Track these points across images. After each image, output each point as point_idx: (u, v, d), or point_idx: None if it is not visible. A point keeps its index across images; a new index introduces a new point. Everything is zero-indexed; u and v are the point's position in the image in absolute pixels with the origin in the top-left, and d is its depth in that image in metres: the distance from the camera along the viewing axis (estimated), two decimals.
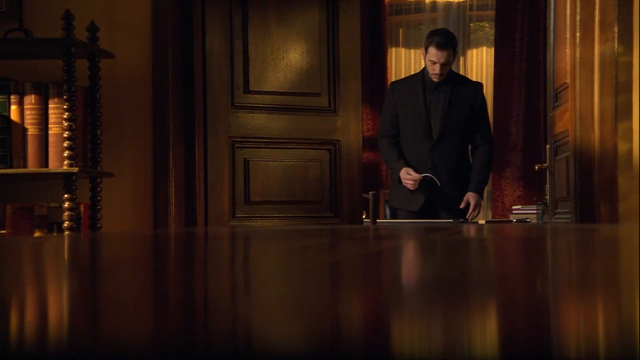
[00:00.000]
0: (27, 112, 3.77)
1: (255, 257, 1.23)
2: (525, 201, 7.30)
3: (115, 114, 4.17)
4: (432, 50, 4.43)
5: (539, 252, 1.29)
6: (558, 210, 4.39)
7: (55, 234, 3.82)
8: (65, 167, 3.70)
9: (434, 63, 4.43)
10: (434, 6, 8.01)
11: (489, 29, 8.02)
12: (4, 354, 0.41)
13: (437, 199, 4.48)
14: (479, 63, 8.02)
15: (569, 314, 0.54)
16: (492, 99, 7.77)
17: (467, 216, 4.44)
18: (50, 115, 3.77)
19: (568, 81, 4.03)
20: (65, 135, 3.69)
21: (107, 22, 4.12)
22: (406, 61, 8.06)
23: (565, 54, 4.05)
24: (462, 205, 4.46)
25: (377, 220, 5.80)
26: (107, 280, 0.81)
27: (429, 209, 4.47)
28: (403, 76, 8.02)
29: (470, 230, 2.20)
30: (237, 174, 4.54)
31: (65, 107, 3.70)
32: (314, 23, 4.68)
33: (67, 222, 3.71)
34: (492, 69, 7.85)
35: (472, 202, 4.44)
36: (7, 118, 3.77)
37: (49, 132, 3.77)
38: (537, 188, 7.26)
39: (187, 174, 4.37)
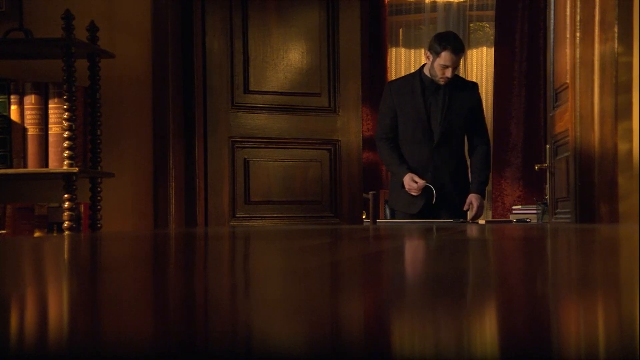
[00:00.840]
0: (27, 112, 3.77)
1: (255, 257, 1.23)
2: (525, 201, 7.30)
3: (115, 114, 4.17)
4: (447, 55, 4.35)
5: (539, 252, 1.29)
6: (558, 210, 4.39)
7: (55, 234, 3.82)
8: (65, 167, 3.70)
9: (446, 67, 4.37)
10: (434, 6, 8.01)
11: (489, 29, 8.02)
12: (4, 354, 0.41)
13: (438, 201, 4.47)
14: (479, 63, 8.02)
15: (569, 314, 0.54)
16: (492, 99, 7.77)
17: (470, 218, 4.44)
18: (50, 115, 3.77)
19: (568, 81, 4.03)
20: (65, 135, 3.69)
21: (107, 22, 4.12)
22: (406, 61, 8.06)
23: (565, 54, 4.05)
24: (465, 207, 4.45)
25: (377, 220, 5.80)
26: (107, 281, 0.81)
27: (428, 211, 4.47)
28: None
29: (470, 231, 2.20)
30: (237, 174, 4.54)
31: (65, 107, 3.70)
32: (314, 23, 4.68)
33: (67, 222, 3.71)
34: (492, 69, 7.85)
35: (475, 204, 4.44)
36: (7, 118, 3.77)
37: (49, 132, 3.77)
38: (537, 188, 7.26)
39: (187, 174, 4.37)
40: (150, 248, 1.53)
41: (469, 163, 4.69)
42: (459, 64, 4.49)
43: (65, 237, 3.10)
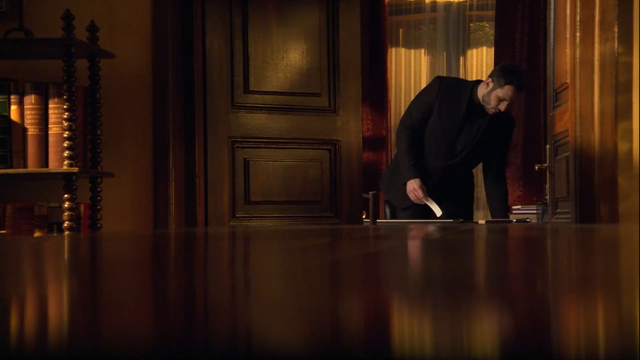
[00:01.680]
0: (27, 112, 3.77)
1: (255, 257, 1.23)
2: (525, 201, 7.30)
3: (115, 114, 4.17)
4: (510, 90, 4.26)
5: (539, 252, 1.29)
6: (558, 210, 4.39)
7: (55, 234, 3.82)
8: (65, 167, 3.70)
9: (502, 100, 4.29)
10: (434, 6, 8.01)
11: (489, 29, 8.02)
12: (4, 354, 0.41)
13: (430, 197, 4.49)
14: (479, 63, 8.01)
15: (569, 313, 0.54)
16: None
17: None
18: (50, 115, 3.77)
19: (568, 81, 4.03)
20: (65, 135, 3.70)
21: (107, 22, 4.12)
22: (406, 61, 8.06)
23: (565, 54, 4.05)
24: None
25: (377, 220, 5.79)
26: (107, 281, 0.81)
27: (418, 208, 4.48)
28: (403, 76, 8.03)
29: (470, 231, 2.20)
30: (237, 174, 4.54)
31: (65, 107, 3.70)
32: (314, 23, 4.68)
33: (67, 222, 3.71)
34: (492, 69, 7.84)
35: None
36: (7, 118, 3.77)
37: (49, 132, 3.77)
38: (537, 188, 7.26)
39: (187, 174, 4.37)
40: (151, 248, 1.53)
41: (475, 181, 4.79)
42: (514, 101, 4.39)
43: (65, 237, 3.10)
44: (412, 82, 7.97)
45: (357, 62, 4.77)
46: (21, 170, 3.76)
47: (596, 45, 3.82)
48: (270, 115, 4.61)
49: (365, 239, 1.74)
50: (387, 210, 5.73)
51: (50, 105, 3.77)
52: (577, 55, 3.90)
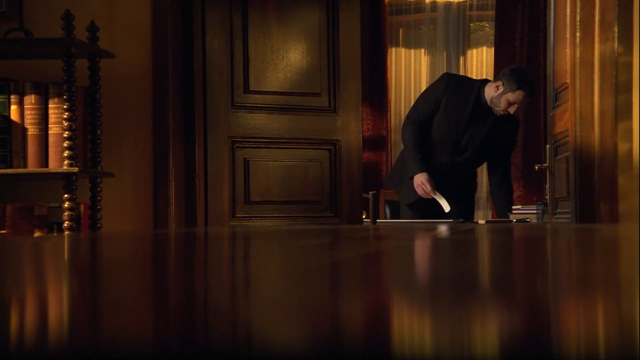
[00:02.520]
0: (27, 112, 3.77)
1: (255, 257, 1.23)
2: (525, 201, 7.30)
3: (115, 114, 4.17)
4: (521, 95, 4.32)
5: (539, 252, 1.29)
6: (558, 210, 4.39)
7: (55, 234, 3.82)
8: (65, 167, 3.70)
9: (512, 104, 4.34)
10: (434, 6, 8.01)
11: (489, 29, 8.02)
12: (4, 354, 0.41)
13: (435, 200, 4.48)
14: (479, 63, 8.01)
15: (569, 313, 0.54)
16: None
17: None
18: (50, 115, 3.77)
19: (568, 81, 4.03)
20: (65, 135, 3.69)
21: (107, 22, 4.12)
22: (406, 61, 8.06)
23: (565, 54, 4.05)
24: None
25: (377, 220, 5.79)
26: (107, 281, 0.81)
27: (422, 204, 4.48)
28: (403, 76, 8.02)
29: (470, 231, 2.20)
30: (237, 174, 4.54)
31: (65, 107, 3.70)
32: (314, 23, 4.68)
33: (67, 222, 3.71)
34: (492, 69, 7.84)
35: None
36: (7, 118, 3.77)
37: (49, 132, 3.77)
38: (537, 188, 7.26)
39: (187, 174, 4.37)
40: (151, 248, 1.53)
41: (479, 179, 4.82)
42: (524, 105, 4.45)
43: (65, 237, 3.10)
44: (412, 82, 7.96)
45: (357, 62, 4.77)
46: (21, 170, 3.76)
47: (596, 45, 3.82)
48: (270, 115, 4.61)
49: (365, 239, 1.74)
50: (387, 210, 5.73)
51: (50, 105, 3.77)
52: (577, 55, 3.89)
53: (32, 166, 3.77)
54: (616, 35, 3.76)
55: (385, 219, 6.09)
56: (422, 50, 8.03)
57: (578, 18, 3.89)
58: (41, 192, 4.05)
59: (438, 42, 7.96)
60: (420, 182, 4.42)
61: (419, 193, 4.44)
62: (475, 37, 8.11)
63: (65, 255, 1.31)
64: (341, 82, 4.72)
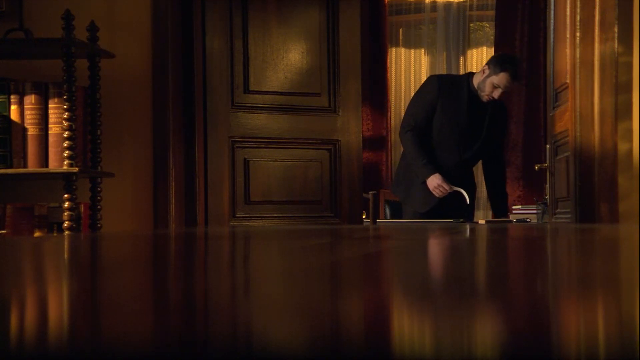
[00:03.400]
0: (27, 112, 3.77)
1: (255, 257, 1.23)
2: (525, 201, 7.30)
3: (115, 114, 4.17)
4: (504, 78, 4.31)
5: (539, 252, 1.29)
6: (558, 210, 4.39)
7: (55, 234, 3.82)
8: (65, 167, 3.70)
9: (497, 88, 4.34)
10: (434, 6, 8.01)
11: (489, 29, 8.02)
12: (4, 354, 0.41)
13: (445, 202, 4.46)
14: (479, 63, 8.01)
15: (569, 313, 0.54)
16: None
17: None
18: (50, 115, 3.77)
19: (568, 81, 4.03)
20: (65, 135, 3.70)
21: (107, 22, 4.12)
22: (406, 61, 8.06)
23: (565, 54, 4.05)
24: None
25: (377, 220, 5.80)
26: (107, 281, 0.81)
27: (436, 212, 4.46)
28: (403, 76, 8.03)
29: (470, 231, 2.20)
30: (237, 174, 4.54)
31: (65, 107, 3.70)
32: (314, 23, 4.68)
33: (67, 222, 3.71)
34: None
35: None
36: (7, 118, 3.77)
37: (49, 132, 3.77)
38: (537, 188, 7.26)
39: (187, 174, 4.37)
40: (151, 248, 1.53)
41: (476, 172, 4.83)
42: (509, 90, 4.44)
43: (65, 237, 3.10)
44: (412, 82, 7.96)
45: (357, 62, 4.77)
46: (21, 170, 3.76)
47: (596, 45, 3.82)
48: (270, 115, 4.61)
49: (365, 239, 1.74)
50: (387, 210, 5.73)
51: (50, 105, 3.77)
52: (577, 55, 3.90)
53: (32, 166, 3.77)
54: (616, 35, 3.76)
55: (385, 219, 6.09)
56: (422, 50, 8.03)
57: (578, 18, 3.89)
58: (41, 192, 4.05)
59: (438, 42, 7.96)
60: (437, 184, 4.39)
61: (437, 195, 4.40)
62: (475, 37, 8.11)
63: (65, 256, 1.31)
64: (341, 82, 4.72)
